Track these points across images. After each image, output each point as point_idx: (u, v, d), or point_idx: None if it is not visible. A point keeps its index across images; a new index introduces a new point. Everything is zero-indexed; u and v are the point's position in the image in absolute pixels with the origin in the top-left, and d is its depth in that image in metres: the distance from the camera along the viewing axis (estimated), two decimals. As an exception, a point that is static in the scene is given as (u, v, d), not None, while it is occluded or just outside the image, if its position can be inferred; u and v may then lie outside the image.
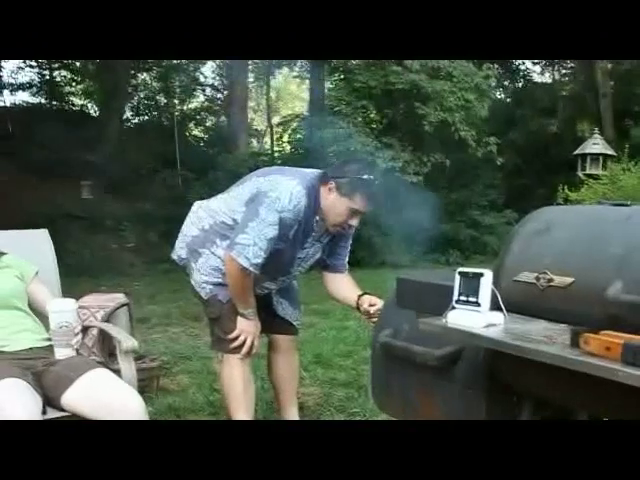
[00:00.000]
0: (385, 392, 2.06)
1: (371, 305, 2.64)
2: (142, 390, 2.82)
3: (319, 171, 2.67)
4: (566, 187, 7.66)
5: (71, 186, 9.88)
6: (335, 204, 2.55)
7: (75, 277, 3.59)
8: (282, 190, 2.50)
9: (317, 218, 2.60)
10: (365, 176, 2.54)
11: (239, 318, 2.67)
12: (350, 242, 2.91)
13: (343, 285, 2.87)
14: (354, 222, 2.60)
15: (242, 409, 2.70)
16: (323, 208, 2.58)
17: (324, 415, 3.30)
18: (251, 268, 2.50)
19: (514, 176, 13.31)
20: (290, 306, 2.97)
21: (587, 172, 8.33)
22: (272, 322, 2.89)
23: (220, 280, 2.67)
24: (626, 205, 1.61)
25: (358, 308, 2.74)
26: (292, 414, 3.00)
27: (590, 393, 1.43)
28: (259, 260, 2.50)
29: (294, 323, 2.98)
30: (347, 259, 2.91)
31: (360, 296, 2.74)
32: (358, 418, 3.18)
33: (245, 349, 2.67)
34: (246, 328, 2.67)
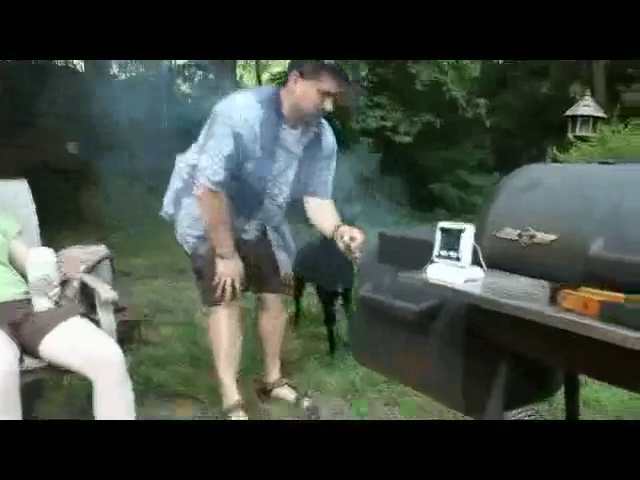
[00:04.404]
0: (365, 347, 2.06)
1: (352, 239, 2.47)
2: (124, 342, 2.83)
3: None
4: (555, 148, 7.62)
5: (56, 139, 9.71)
6: (304, 91, 2.46)
7: (57, 232, 3.55)
8: (233, 105, 2.45)
9: (284, 126, 2.54)
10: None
11: (217, 260, 2.61)
12: (333, 167, 2.80)
13: (322, 211, 2.75)
14: (328, 106, 2.48)
15: (227, 364, 2.71)
16: (295, 102, 2.49)
17: (306, 367, 3.32)
18: (212, 187, 2.44)
19: (504, 137, 13.23)
20: (284, 257, 2.89)
21: (577, 134, 8.28)
22: (263, 280, 2.85)
23: (202, 233, 2.64)
24: (611, 164, 1.59)
25: (334, 239, 2.58)
26: (274, 371, 3.02)
27: (567, 350, 1.43)
28: (219, 178, 2.44)
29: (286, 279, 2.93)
30: (329, 185, 2.80)
31: (338, 227, 2.58)
32: (338, 372, 3.20)
33: (227, 294, 2.62)
34: (225, 270, 2.61)
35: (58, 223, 6.21)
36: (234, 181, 2.51)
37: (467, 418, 2.00)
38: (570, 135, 8.46)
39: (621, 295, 1.18)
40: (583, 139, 8.04)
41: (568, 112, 8.61)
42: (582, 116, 8.47)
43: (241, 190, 2.57)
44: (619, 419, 2.04)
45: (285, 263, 2.90)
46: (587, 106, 8.49)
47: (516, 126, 13.82)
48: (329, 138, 2.74)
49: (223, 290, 2.62)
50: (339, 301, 3.54)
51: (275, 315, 2.96)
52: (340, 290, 3.49)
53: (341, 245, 2.51)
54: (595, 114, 8.46)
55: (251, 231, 2.76)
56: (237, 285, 2.64)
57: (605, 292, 1.20)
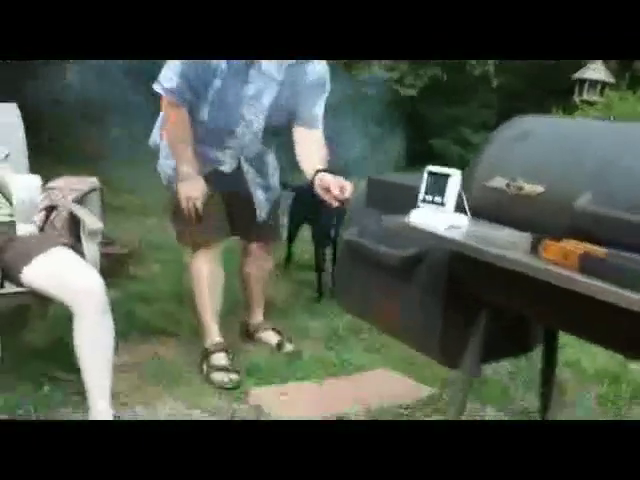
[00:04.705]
0: (348, 291, 2.05)
1: (342, 190, 2.20)
2: (110, 275, 2.82)
3: None
4: (560, 111, 7.52)
5: (55, 68, 9.53)
6: None
7: (50, 163, 3.51)
8: None
9: None
10: None
11: (179, 184, 2.51)
12: (322, 97, 2.59)
13: (306, 147, 2.52)
14: None
15: (209, 306, 2.68)
16: None
17: (291, 312, 3.33)
18: (167, 95, 2.39)
19: (510, 98, 13.04)
20: (261, 197, 2.74)
21: (583, 98, 8.15)
22: (242, 223, 2.75)
23: None
24: (607, 120, 1.56)
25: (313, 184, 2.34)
26: (258, 314, 3.01)
27: (547, 303, 1.42)
28: (172, 85, 2.37)
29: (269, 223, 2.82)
30: (317, 116, 2.58)
31: (318, 172, 2.32)
32: (323, 318, 3.21)
33: (193, 217, 2.53)
34: (187, 192, 2.51)
35: (52, 154, 6.16)
36: (203, 102, 2.43)
37: (467, 418, 2.00)
38: (576, 98, 8.34)
39: (603, 250, 1.16)
40: (589, 103, 7.92)
41: (576, 75, 8.46)
42: (590, 80, 8.33)
43: (212, 112, 2.47)
44: (618, 419, 2.06)
45: (262, 204, 2.75)
46: (596, 70, 8.34)
47: (523, 87, 13.61)
48: (317, 66, 2.55)
49: (189, 215, 2.53)
50: (331, 248, 3.51)
51: (259, 262, 2.92)
52: (333, 235, 3.45)
53: (320, 193, 2.30)
54: (604, 79, 8.31)
55: (227, 162, 2.64)
56: (199, 206, 2.52)
57: (587, 245, 1.18)
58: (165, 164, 2.67)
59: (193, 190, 2.52)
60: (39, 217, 2.28)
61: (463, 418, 1.97)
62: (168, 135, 2.52)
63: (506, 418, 2.40)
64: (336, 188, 2.21)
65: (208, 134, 2.53)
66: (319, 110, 2.60)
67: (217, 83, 2.40)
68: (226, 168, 2.64)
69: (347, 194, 2.20)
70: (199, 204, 2.53)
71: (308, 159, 2.47)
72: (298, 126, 2.58)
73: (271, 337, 2.95)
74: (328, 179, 2.26)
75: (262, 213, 2.77)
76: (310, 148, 2.53)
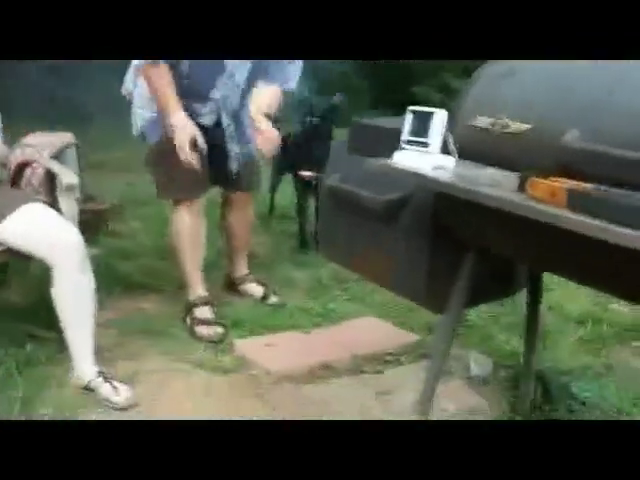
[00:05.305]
0: (331, 239, 2.02)
1: (268, 139, 2.51)
2: (90, 231, 2.77)
3: None
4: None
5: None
6: None
7: (24, 122, 3.42)
8: None
9: None
10: None
11: (178, 132, 2.42)
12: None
13: (260, 93, 2.58)
14: None
15: (191, 260, 2.65)
16: None
17: (274, 263, 3.31)
18: None
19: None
20: (235, 150, 2.68)
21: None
22: (226, 176, 2.71)
23: (154, 115, 2.53)
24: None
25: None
26: (242, 266, 2.98)
27: (535, 243, 1.40)
28: None
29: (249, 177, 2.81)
30: (287, 73, 2.63)
31: (261, 114, 2.53)
32: (306, 268, 3.19)
33: (193, 160, 2.45)
34: (180, 136, 2.42)
35: (29, 110, 6.00)
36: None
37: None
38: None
39: (589, 185, 1.13)
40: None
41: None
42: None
43: (193, 65, 2.43)
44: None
45: (239, 157, 2.71)
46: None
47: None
48: None
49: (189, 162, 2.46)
50: (313, 197, 3.47)
51: (240, 212, 2.88)
52: (314, 182, 3.41)
53: (254, 134, 2.52)
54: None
55: (207, 115, 2.60)
56: (200, 142, 2.46)
57: (573, 181, 1.15)
58: (138, 112, 2.61)
59: (187, 132, 2.44)
60: (6, 172, 2.21)
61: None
62: (153, 92, 2.45)
63: (491, 360, 2.41)
64: (264, 135, 2.46)
65: (189, 87, 2.49)
66: (291, 69, 2.64)
67: None
68: (206, 121, 2.60)
69: (270, 144, 2.54)
70: (199, 140, 2.46)
71: (257, 102, 2.56)
72: (263, 82, 2.61)
73: (256, 289, 2.93)
74: (263, 124, 2.48)
75: (237, 166, 2.72)
76: (263, 93, 2.59)
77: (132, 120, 2.66)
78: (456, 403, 2.14)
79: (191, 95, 2.51)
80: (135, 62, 2.58)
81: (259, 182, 3.00)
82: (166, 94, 2.43)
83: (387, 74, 8.54)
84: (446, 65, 8.51)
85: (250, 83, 2.59)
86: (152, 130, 2.57)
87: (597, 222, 1.06)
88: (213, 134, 2.60)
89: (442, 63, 8.60)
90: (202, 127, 2.54)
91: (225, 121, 2.63)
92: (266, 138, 2.54)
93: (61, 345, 2.14)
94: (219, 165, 2.66)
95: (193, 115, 2.53)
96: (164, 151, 2.51)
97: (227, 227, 2.93)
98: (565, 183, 1.14)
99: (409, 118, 1.40)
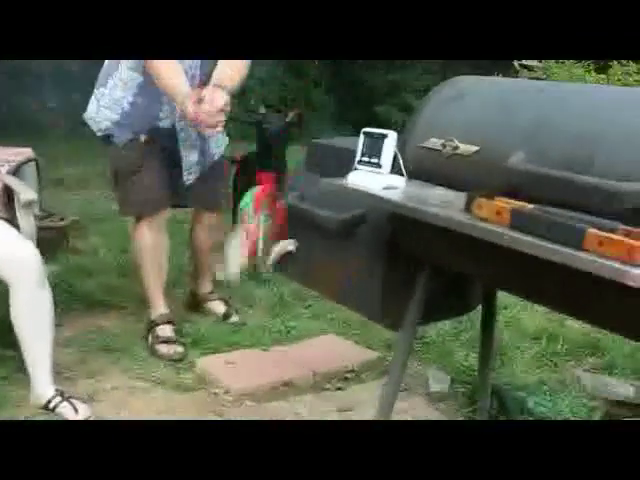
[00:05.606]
0: (290, 258, 2.04)
1: (213, 100, 2.27)
2: (49, 248, 2.75)
3: None
4: (500, 75, 7.59)
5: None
6: None
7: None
8: None
9: None
10: None
11: (187, 110, 2.28)
12: None
13: (220, 67, 2.41)
14: None
15: (153, 277, 2.64)
16: None
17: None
18: None
19: (453, 63, 13.12)
20: (193, 159, 2.61)
21: (523, 62, 8.25)
22: (198, 194, 2.70)
23: (118, 118, 2.50)
24: (541, 79, 1.57)
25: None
26: (207, 284, 2.97)
27: (483, 261, 1.44)
28: None
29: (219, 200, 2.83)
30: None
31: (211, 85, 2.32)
32: (267, 286, 3.20)
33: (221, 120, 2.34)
34: (217, 101, 2.29)
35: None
36: None
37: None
38: (515, 63, 8.41)
39: (532, 205, 1.18)
40: (528, 68, 8.01)
41: (517, 41, 8.53)
42: (531, 46, 8.40)
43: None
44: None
45: (192, 167, 2.62)
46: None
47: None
48: None
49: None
50: None
51: (207, 229, 2.86)
52: None
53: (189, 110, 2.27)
54: (543, 44, 8.40)
55: (165, 117, 2.54)
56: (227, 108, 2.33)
57: (518, 202, 1.20)
58: (104, 113, 2.54)
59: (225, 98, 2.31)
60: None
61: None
62: (155, 74, 2.35)
63: (449, 376, 2.45)
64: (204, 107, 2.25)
65: (146, 85, 2.44)
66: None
67: None
68: (164, 124, 2.55)
69: (211, 117, 2.28)
70: (227, 108, 2.33)
71: (215, 74, 2.39)
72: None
73: (218, 307, 2.93)
74: (209, 94, 2.28)
75: (190, 176, 2.65)
76: (223, 64, 2.41)
77: (84, 116, 2.60)
78: (415, 419, 2.17)
79: (146, 95, 2.48)
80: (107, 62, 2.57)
81: (219, 201, 2.97)
82: (167, 75, 2.35)
83: (350, 91, 8.63)
84: (407, 84, 8.65)
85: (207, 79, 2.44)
86: (119, 132, 2.53)
87: (539, 241, 1.11)
88: (170, 138, 2.56)
89: (404, 82, 8.75)
90: (159, 130, 2.52)
91: (179, 125, 2.54)
92: (207, 111, 2.27)
93: (21, 364, 2.12)
94: (178, 176, 2.62)
95: (150, 119, 2.51)
96: (132, 166, 2.50)
97: (194, 244, 2.92)
98: (509, 203, 1.19)
99: (362, 139, 1.44)
